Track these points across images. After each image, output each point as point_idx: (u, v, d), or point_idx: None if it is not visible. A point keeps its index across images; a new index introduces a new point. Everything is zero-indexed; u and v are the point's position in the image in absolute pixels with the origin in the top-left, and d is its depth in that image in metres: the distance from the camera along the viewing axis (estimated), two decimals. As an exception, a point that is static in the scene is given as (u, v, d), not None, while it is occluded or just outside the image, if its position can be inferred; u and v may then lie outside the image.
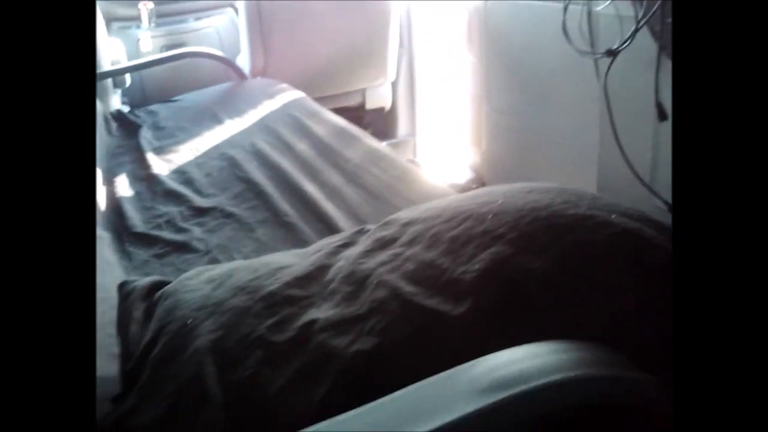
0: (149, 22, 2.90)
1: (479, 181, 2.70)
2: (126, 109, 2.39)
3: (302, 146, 1.80)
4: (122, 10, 2.93)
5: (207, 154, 1.82)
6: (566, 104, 2.16)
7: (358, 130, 1.90)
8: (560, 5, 1.89)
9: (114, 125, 2.13)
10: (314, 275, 0.84)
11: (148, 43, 2.91)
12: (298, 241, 1.36)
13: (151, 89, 2.74)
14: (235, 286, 0.84)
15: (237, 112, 2.07)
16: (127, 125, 2.11)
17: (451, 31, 2.75)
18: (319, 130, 1.89)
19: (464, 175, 2.74)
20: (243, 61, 2.70)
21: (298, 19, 2.60)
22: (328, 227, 1.40)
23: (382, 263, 0.80)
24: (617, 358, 0.59)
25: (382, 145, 1.84)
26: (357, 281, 0.79)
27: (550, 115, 2.29)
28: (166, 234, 1.46)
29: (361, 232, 0.95)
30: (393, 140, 2.97)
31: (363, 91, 2.86)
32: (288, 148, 1.80)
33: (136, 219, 1.53)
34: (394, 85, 2.94)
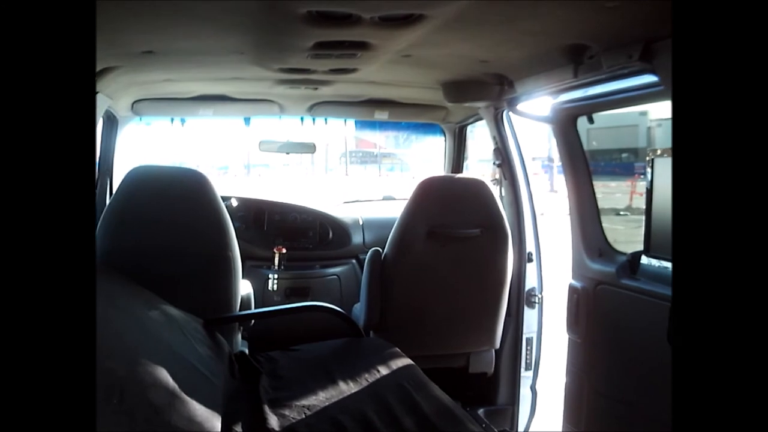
0: (279, 266, 3.19)
1: (577, 465, 2.64)
2: (246, 348, 2.56)
3: (409, 422, 1.88)
4: (259, 251, 3.26)
5: (318, 416, 1.92)
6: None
7: (463, 413, 1.96)
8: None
9: (236, 367, 2.29)
10: None
11: (275, 283, 3.19)
12: None
13: (267, 330, 2.91)
14: None
15: (349, 372, 2.19)
16: (249, 370, 2.26)
17: (559, 307, 2.87)
18: (427, 406, 1.97)
19: (562, 455, 2.70)
20: (359, 311, 2.88)
21: (418, 279, 2.79)
22: None
23: None
24: None
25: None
26: None
27: (661, 408, 2.27)
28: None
29: None
30: (491, 407, 2.99)
31: (468, 356, 2.95)
32: (395, 422, 1.88)
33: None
34: (498, 352, 3.02)
